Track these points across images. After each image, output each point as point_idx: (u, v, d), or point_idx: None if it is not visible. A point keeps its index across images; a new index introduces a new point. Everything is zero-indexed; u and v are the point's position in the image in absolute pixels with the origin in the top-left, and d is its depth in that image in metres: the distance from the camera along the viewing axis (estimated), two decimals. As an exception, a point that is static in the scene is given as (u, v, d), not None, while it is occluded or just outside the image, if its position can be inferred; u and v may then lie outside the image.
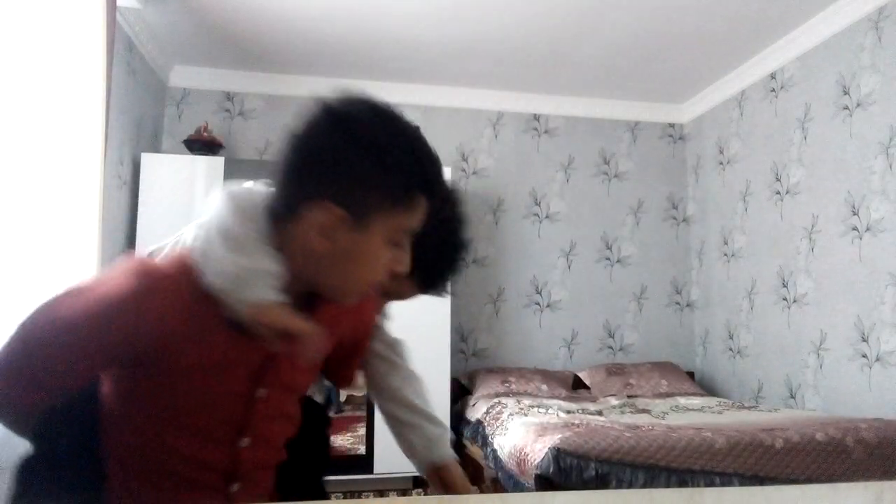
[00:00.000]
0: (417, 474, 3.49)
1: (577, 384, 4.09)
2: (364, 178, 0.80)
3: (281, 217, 0.83)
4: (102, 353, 0.81)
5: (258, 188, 0.89)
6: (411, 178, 0.82)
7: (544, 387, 3.83)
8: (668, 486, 2.21)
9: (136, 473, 0.87)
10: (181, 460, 0.88)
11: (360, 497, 3.40)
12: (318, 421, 1.25)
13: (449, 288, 1.04)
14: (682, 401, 3.59)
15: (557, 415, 3.01)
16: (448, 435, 1.22)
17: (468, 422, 3.56)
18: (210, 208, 0.87)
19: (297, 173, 0.82)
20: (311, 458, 1.15)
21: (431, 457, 1.17)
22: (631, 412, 3.19)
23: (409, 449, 1.19)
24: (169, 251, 1.10)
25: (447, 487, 1.16)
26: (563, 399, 3.65)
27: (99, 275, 0.86)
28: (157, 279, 0.80)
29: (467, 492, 1.18)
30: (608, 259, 4.51)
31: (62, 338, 0.78)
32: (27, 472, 0.88)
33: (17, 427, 0.87)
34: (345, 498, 3.41)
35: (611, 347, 4.43)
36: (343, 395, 3.60)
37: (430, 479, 1.17)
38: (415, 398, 1.20)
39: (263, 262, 0.81)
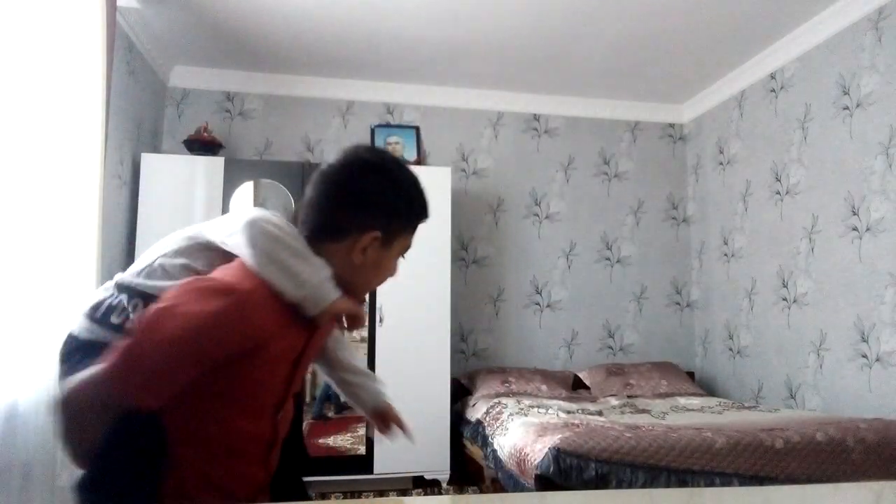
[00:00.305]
0: (417, 474, 3.51)
1: (577, 384, 4.09)
2: (396, 211, 1.11)
3: (325, 238, 1.09)
4: (207, 358, 0.97)
5: (276, 214, 1.12)
6: (421, 209, 1.14)
7: (544, 387, 3.83)
8: (668, 486, 2.21)
9: (202, 452, 1.02)
10: (241, 436, 1.06)
11: (360, 497, 3.40)
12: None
13: None
14: (682, 401, 3.59)
15: (557, 415, 3.01)
16: (383, 386, 1.52)
17: (468, 422, 3.56)
18: (247, 233, 1.06)
19: (348, 208, 1.08)
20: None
21: (376, 404, 1.48)
22: (631, 412, 3.19)
23: (357, 401, 1.49)
24: (145, 279, 1.16)
25: (387, 423, 1.48)
26: (563, 399, 3.65)
27: (174, 297, 0.98)
28: (245, 293, 0.99)
29: (402, 425, 1.49)
30: (608, 259, 4.51)
31: (173, 351, 0.93)
32: (87, 489, 0.98)
33: (88, 445, 0.96)
34: (345, 498, 3.41)
35: (611, 347, 4.43)
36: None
37: (375, 420, 1.49)
38: (358, 363, 1.50)
39: (327, 270, 1.08)
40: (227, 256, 1.13)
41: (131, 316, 1.11)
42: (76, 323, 1.15)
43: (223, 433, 1.04)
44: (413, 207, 1.13)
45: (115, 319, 1.12)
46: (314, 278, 1.05)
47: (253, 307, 0.98)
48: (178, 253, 1.17)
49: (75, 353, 1.10)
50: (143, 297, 1.12)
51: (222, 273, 1.05)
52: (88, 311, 1.14)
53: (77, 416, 0.93)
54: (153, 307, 0.97)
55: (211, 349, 0.96)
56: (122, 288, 1.15)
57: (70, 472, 2.21)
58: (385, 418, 1.49)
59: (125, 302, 1.12)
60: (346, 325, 1.17)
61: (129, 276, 1.18)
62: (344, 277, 1.10)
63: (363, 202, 1.08)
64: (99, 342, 1.10)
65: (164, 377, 0.94)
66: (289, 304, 1.04)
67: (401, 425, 1.49)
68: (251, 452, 1.09)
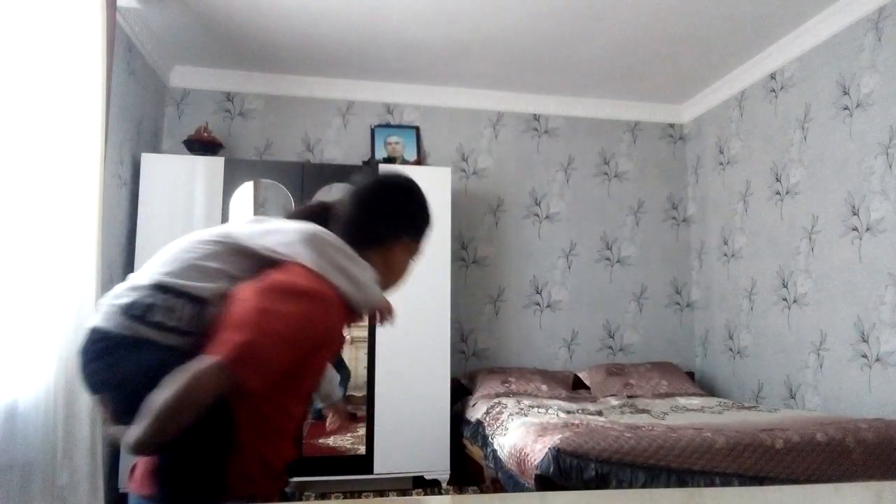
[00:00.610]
0: (417, 474, 3.51)
1: (577, 384, 4.09)
2: (420, 222, 1.36)
3: (366, 246, 1.28)
4: (301, 352, 1.14)
5: (323, 230, 1.27)
6: (431, 221, 1.39)
7: (544, 387, 3.83)
8: (668, 486, 2.21)
9: (262, 434, 1.17)
10: (292, 420, 1.24)
11: (360, 497, 3.40)
12: None
13: None
14: (682, 401, 3.59)
15: (557, 415, 3.01)
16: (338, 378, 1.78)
17: (468, 422, 3.56)
18: (312, 244, 1.21)
19: (386, 220, 1.31)
20: None
21: (333, 398, 1.75)
22: (631, 412, 3.19)
23: (320, 391, 1.68)
24: (186, 280, 1.21)
25: (340, 413, 1.80)
26: (563, 399, 3.65)
27: (261, 298, 1.12)
28: (325, 294, 1.16)
29: (345, 416, 1.83)
30: (608, 259, 4.51)
31: (280, 346, 1.10)
32: (170, 474, 1.08)
33: (175, 434, 1.04)
34: (345, 498, 3.41)
35: (611, 347, 4.43)
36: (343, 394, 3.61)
37: (327, 408, 1.76)
38: None
39: (373, 272, 1.27)
40: (261, 263, 1.22)
41: (175, 314, 1.16)
42: (110, 320, 1.15)
43: (280, 417, 1.20)
44: (429, 220, 1.39)
45: (158, 318, 1.14)
46: (366, 279, 1.24)
47: (333, 308, 1.17)
48: (211, 256, 1.22)
49: (116, 348, 1.14)
50: (189, 297, 1.16)
51: (290, 276, 1.18)
52: (123, 308, 1.15)
53: (189, 404, 1.02)
54: (247, 307, 1.11)
55: (306, 344, 1.14)
56: (161, 288, 1.16)
57: (69, 472, 2.21)
58: (335, 408, 1.78)
59: (167, 301, 1.15)
60: (381, 320, 1.43)
61: (161, 276, 1.18)
62: (378, 279, 1.30)
63: (398, 215, 1.33)
64: (139, 338, 1.14)
65: (271, 366, 1.10)
66: (346, 303, 1.21)
67: (344, 416, 1.85)
68: (291, 432, 1.25)
